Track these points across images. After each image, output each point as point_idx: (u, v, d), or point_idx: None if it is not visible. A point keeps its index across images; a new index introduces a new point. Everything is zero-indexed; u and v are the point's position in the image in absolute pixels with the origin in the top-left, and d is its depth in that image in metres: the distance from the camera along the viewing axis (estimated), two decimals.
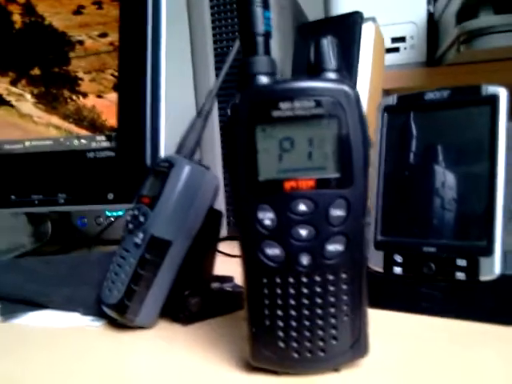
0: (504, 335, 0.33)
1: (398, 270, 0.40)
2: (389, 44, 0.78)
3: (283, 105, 0.25)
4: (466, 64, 0.67)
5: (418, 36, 0.78)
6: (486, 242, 0.36)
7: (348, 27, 0.54)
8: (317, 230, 0.26)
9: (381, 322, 0.37)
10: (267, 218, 0.26)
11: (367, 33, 0.54)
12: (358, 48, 0.53)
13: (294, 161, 0.26)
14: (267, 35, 0.26)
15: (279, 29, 0.60)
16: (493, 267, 0.36)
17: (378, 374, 0.28)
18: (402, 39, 0.79)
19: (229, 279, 0.45)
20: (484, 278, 0.36)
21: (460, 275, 0.37)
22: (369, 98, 0.55)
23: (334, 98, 0.25)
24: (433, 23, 0.79)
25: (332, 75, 0.26)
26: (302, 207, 0.26)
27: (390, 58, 0.76)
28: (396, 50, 0.79)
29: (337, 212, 0.26)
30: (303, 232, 0.26)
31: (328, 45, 0.25)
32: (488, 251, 0.36)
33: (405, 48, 0.78)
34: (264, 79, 0.26)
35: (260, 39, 0.26)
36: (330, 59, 0.25)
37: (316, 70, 0.26)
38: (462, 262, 0.37)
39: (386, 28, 0.66)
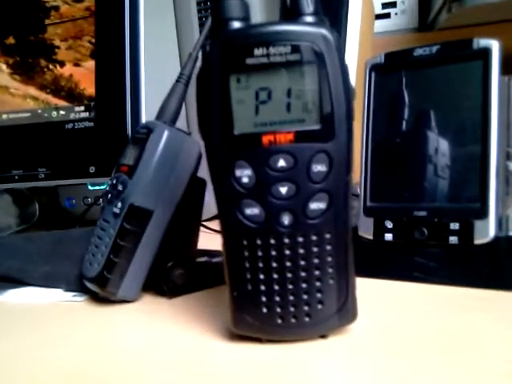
0: (499, 300, 0.32)
1: (388, 236, 0.39)
2: (379, 10, 0.76)
3: (257, 51, 0.23)
4: (458, 28, 0.65)
5: (409, 1, 0.75)
6: (480, 204, 0.35)
7: None
8: (298, 188, 0.25)
9: (371, 290, 0.36)
10: (245, 175, 0.25)
11: None
12: (346, 11, 0.51)
13: (272, 113, 0.24)
14: None
15: None
16: (487, 230, 0.35)
17: (367, 341, 0.27)
18: (392, 4, 0.77)
19: (218, 254, 0.43)
20: (478, 241, 0.35)
21: (453, 239, 0.36)
22: (358, 65, 0.54)
23: (311, 43, 0.23)
24: None
25: (310, 19, 0.24)
26: (282, 163, 0.25)
27: (381, 24, 0.74)
28: (387, 15, 0.77)
29: (318, 167, 0.25)
30: (283, 189, 0.25)
31: None
32: (482, 213, 0.35)
33: (396, 13, 0.76)
34: (237, 24, 0.24)
35: None
36: (307, 2, 0.24)
37: (292, 14, 0.24)
38: (455, 226, 0.36)
39: None
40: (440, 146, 0.37)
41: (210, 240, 0.41)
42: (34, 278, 0.42)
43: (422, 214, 0.37)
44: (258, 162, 0.25)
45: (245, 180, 0.25)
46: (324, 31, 0.23)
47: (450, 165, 0.37)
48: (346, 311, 0.27)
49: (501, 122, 0.34)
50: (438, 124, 0.37)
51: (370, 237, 0.39)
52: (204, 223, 0.56)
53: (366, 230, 0.40)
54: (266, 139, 0.24)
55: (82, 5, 0.50)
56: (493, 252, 0.35)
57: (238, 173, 0.25)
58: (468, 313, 0.30)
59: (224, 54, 0.24)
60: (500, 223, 0.35)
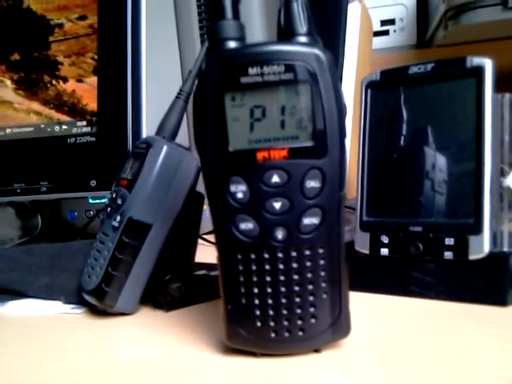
0: (493, 315, 0.32)
1: (384, 251, 0.39)
2: (378, 27, 0.77)
3: (252, 70, 0.24)
4: (455, 45, 0.66)
5: (408, 18, 0.76)
6: (475, 219, 0.35)
7: (334, 7, 0.53)
8: (291, 203, 0.25)
9: (366, 304, 0.36)
10: (240, 190, 0.25)
11: (353, 13, 0.53)
12: (344, 28, 0.52)
13: (266, 130, 0.25)
14: None
15: (266, 13, 0.59)
16: (482, 245, 0.35)
17: (360, 355, 0.27)
18: (391, 22, 0.78)
19: (216, 267, 0.44)
20: (473, 256, 0.35)
21: (448, 255, 0.36)
22: (356, 82, 0.54)
23: (304, 62, 0.24)
24: (422, 5, 0.78)
25: (303, 39, 0.24)
26: (275, 178, 0.25)
27: (380, 41, 0.75)
28: (385, 32, 0.78)
29: (311, 183, 0.25)
30: (277, 205, 0.25)
31: (298, 7, 0.24)
32: (477, 229, 0.35)
33: (394, 31, 0.77)
34: (232, 44, 0.25)
35: (227, 2, 0.24)
36: (301, 22, 0.24)
37: (287, 34, 0.25)
38: (450, 241, 0.36)
39: (375, 10, 0.65)
40: (437, 162, 0.37)
41: (208, 253, 0.42)
42: (34, 290, 0.42)
43: (418, 229, 0.37)
44: (252, 177, 0.25)
45: (239, 195, 0.25)
46: (317, 51, 0.24)
47: (446, 180, 0.37)
48: (339, 325, 0.27)
49: (494, 139, 0.35)
50: (433, 139, 0.37)
51: (366, 251, 0.40)
52: (203, 236, 0.57)
53: (362, 244, 0.40)
54: (260, 155, 0.25)
55: (85, 22, 0.51)
56: (488, 267, 0.35)
57: (232, 188, 0.25)
58: (462, 328, 0.30)
59: (219, 73, 0.24)
60: (495, 239, 0.35)
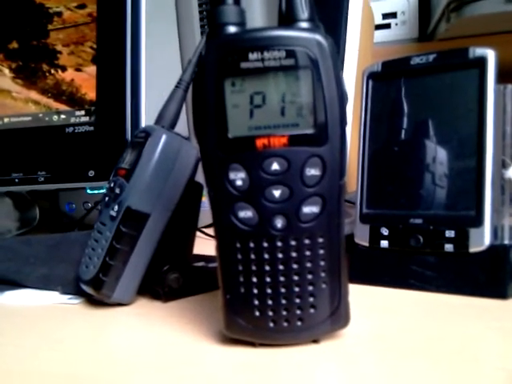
0: (494, 308, 0.32)
1: (384, 243, 0.39)
2: (380, 20, 0.76)
3: (252, 55, 0.23)
4: (458, 38, 0.65)
5: (410, 11, 0.76)
6: (475, 212, 0.35)
7: (335, 0, 0.53)
8: (291, 191, 0.25)
9: (365, 296, 0.36)
10: (239, 178, 0.25)
11: (355, 5, 0.53)
12: (345, 21, 0.52)
13: (266, 117, 0.24)
14: None
15: (268, 4, 0.59)
16: (482, 238, 0.35)
17: (359, 346, 0.27)
18: (393, 15, 0.77)
19: (214, 259, 0.43)
20: (474, 249, 0.35)
21: (449, 247, 0.36)
22: (357, 73, 0.54)
23: (305, 48, 0.23)
24: None
25: (304, 25, 0.24)
26: (275, 166, 0.25)
27: (382, 35, 0.75)
28: (387, 26, 0.78)
29: (311, 171, 0.25)
30: (277, 193, 0.25)
31: None
32: (477, 222, 0.35)
33: (396, 24, 0.77)
34: (232, 29, 0.24)
35: None
36: (303, 8, 0.24)
37: (288, 19, 0.24)
38: (450, 234, 0.36)
39: (376, 4, 0.64)
40: (438, 155, 0.37)
41: (207, 246, 0.41)
42: (31, 281, 0.42)
43: (418, 221, 0.37)
44: (251, 165, 0.25)
45: (239, 183, 0.25)
46: (318, 37, 0.24)
47: (447, 172, 0.37)
48: (338, 316, 0.27)
49: (496, 131, 0.35)
50: (435, 132, 0.37)
51: (366, 244, 0.39)
52: (202, 229, 0.56)
53: (362, 236, 0.40)
54: (260, 143, 0.25)
55: (84, 11, 0.50)
56: (488, 260, 0.35)
57: (232, 176, 0.25)
58: (462, 320, 0.30)
59: (219, 58, 0.24)
60: (495, 232, 0.35)
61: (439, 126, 0.37)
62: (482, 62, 0.34)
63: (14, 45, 0.53)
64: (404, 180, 0.38)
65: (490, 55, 0.34)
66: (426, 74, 0.37)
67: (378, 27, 0.74)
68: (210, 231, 0.55)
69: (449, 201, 0.37)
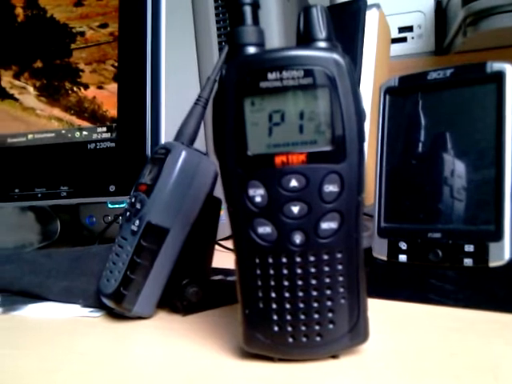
0: None
1: (402, 257, 0.39)
2: (396, 34, 0.77)
3: (271, 75, 0.24)
4: (474, 51, 0.65)
5: (426, 25, 0.76)
6: (495, 226, 0.35)
7: (352, 14, 0.53)
8: (309, 207, 0.25)
9: (385, 311, 0.36)
10: (258, 194, 0.25)
11: (371, 20, 0.53)
12: (362, 35, 0.52)
13: (285, 134, 0.25)
14: (255, 5, 0.25)
15: (284, 20, 0.60)
16: (502, 252, 0.35)
17: (378, 362, 0.27)
18: (409, 28, 0.78)
19: (233, 273, 0.44)
20: (493, 264, 0.35)
21: (468, 261, 0.36)
22: (374, 88, 0.54)
23: (323, 67, 0.24)
24: (440, 11, 0.77)
25: (322, 44, 0.25)
26: (294, 183, 0.25)
27: (398, 48, 0.75)
28: (403, 39, 0.78)
29: (330, 188, 0.25)
30: (295, 209, 0.25)
31: (318, 13, 0.24)
32: (497, 236, 0.35)
33: (412, 37, 0.77)
34: (252, 50, 0.25)
35: (247, 8, 0.25)
36: (320, 28, 0.24)
37: (306, 39, 0.25)
38: (469, 248, 0.36)
39: (392, 17, 0.65)
40: (456, 168, 0.37)
41: (226, 259, 0.42)
42: (53, 294, 0.43)
43: (437, 235, 0.37)
44: (270, 181, 0.25)
45: (258, 199, 0.26)
46: (336, 56, 0.24)
47: (465, 186, 0.37)
48: (357, 331, 0.27)
49: None
50: (452, 145, 0.37)
51: (384, 258, 0.39)
52: (220, 242, 0.57)
53: (380, 250, 0.40)
54: (278, 160, 0.25)
55: (106, 30, 0.52)
56: (508, 275, 0.34)
57: (251, 192, 0.26)
58: (482, 336, 0.30)
59: (239, 78, 0.24)
60: None
61: (457, 139, 0.37)
62: (499, 76, 0.35)
63: (39, 64, 0.55)
64: (422, 194, 0.38)
65: (509, 70, 0.34)
66: (443, 89, 0.37)
67: (395, 41, 0.74)
68: (228, 244, 0.56)
69: (468, 214, 0.36)
